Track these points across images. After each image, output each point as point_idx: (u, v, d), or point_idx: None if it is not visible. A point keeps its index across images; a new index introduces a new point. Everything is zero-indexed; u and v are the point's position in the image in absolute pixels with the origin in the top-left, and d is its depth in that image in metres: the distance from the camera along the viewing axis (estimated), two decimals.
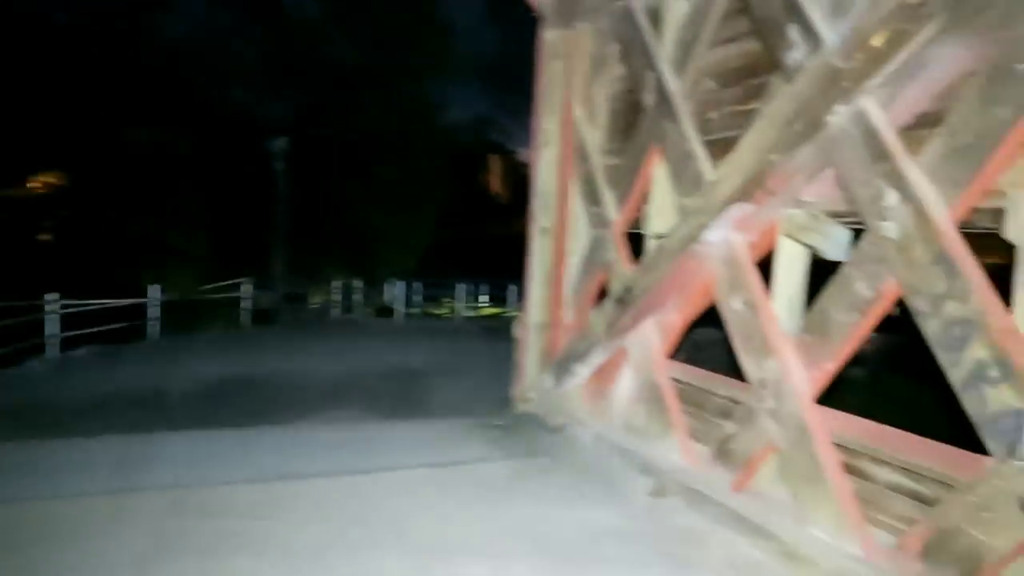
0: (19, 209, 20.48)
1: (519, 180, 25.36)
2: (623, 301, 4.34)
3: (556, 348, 5.56)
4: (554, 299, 5.66)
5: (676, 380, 4.25)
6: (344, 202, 22.70)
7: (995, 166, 2.47)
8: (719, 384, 4.02)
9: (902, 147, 2.75)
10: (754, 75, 3.90)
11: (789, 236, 3.45)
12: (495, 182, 33.36)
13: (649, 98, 4.35)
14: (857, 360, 3.16)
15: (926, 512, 2.69)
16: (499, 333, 10.24)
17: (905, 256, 2.63)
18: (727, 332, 3.66)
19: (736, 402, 3.69)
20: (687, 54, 4.22)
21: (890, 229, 2.69)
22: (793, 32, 3.13)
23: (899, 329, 3.27)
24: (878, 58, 2.68)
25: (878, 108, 2.83)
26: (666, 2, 4.42)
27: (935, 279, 2.51)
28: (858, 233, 3.20)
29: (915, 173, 2.64)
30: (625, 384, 4.65)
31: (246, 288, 15.25)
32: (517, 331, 6.01)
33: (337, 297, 18.05)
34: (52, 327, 10.30)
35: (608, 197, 4.92)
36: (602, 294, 4.92)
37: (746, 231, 3.57)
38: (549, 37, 5.52)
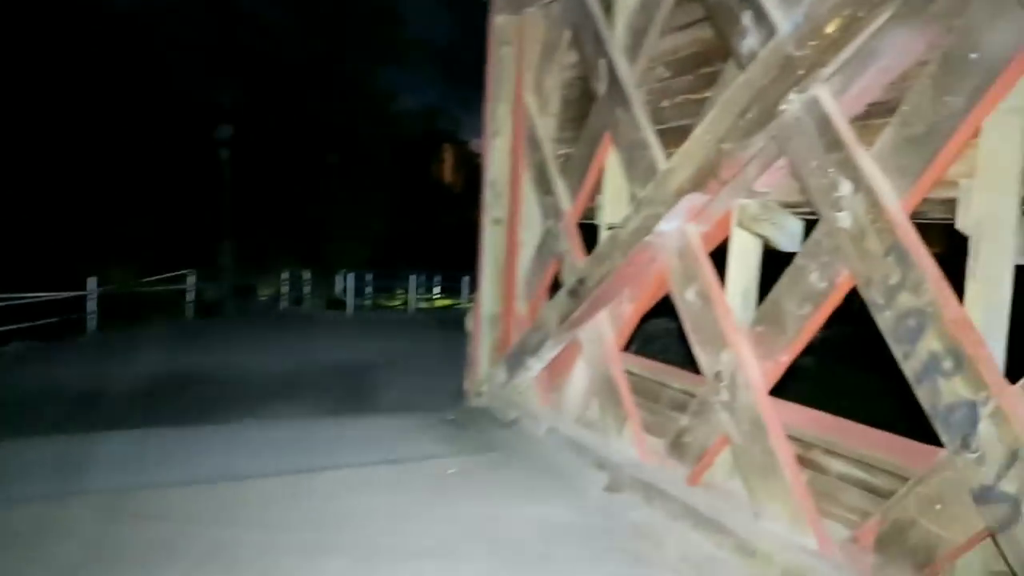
0: None
1: (472, 170, 25.19)
2: (576, 293, 4.27)
3: (509, 341, 5.47)
4: (507, 291, 5.56)
5: (630, 373, 4.20)
6: (293, 192, 22.24)
7: (948, 156, 2.45)
8: (673, 376, 3.98)
9: (855, 137, 2.72)
10: (707, 63, 3.85)
11: (742, 227, 3.41)
12: (448, 172, 33.12)
13: (601, 86, 4.27)
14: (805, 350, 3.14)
15: (879, 504, 2.67)
16: (452, 325, 10.12)
17: (858, 247, 2.60)
18: (680, 323, 3.62)
19: (690, 395, 3.65)
20: (639, 41, 4.15)
21: (843, 219, 2.66)
22: (746, 19, 3.08)
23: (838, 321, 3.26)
24: (831, 46, 2.63)
25: (831, 97, 2.79)
26: None
27: (888, 270, 2.48)
28: (811, 224, 3.18)
29: (868, 163, 2.62)
30: (579, 377, 4.59)
31: (191, 280, 14.77)
32: (469, 324, 5.91)
33: (286, 289, 17.67)
34: None
35: (561, 187, 4.84)
36: (556, 286, 4.84)
37: (700, 221, 3.52)
38: (499, 22, 5.41)
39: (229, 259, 15.70)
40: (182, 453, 4.57)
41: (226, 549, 3.21)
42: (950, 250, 2.59)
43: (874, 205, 2.55)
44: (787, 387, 3.22)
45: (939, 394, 2.29)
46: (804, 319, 2.89)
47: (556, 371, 4.83)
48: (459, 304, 18.23)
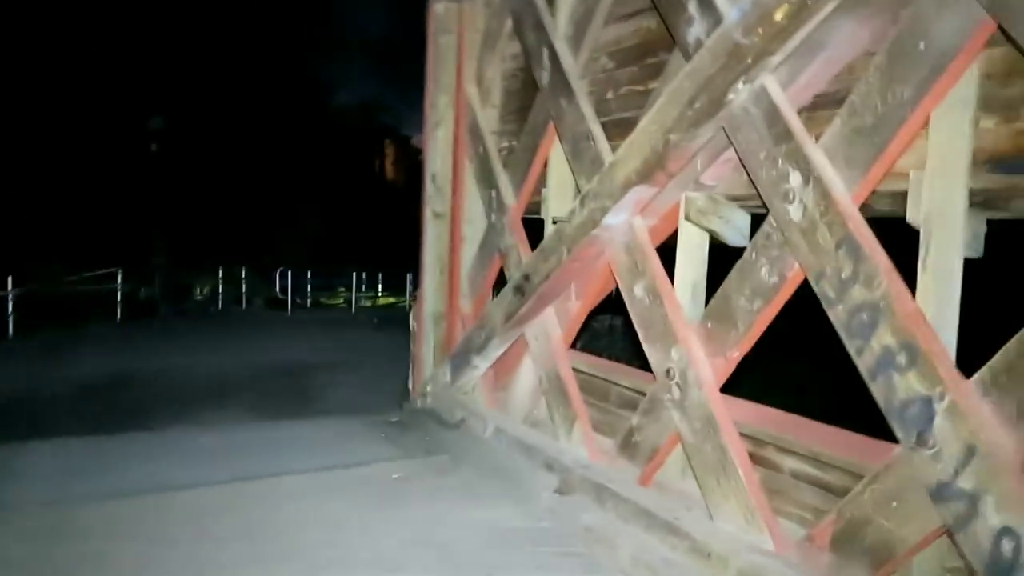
0: None
1: (414, 166, 24.88)
2: (522, 289, 4.15)
3: (454, 339, 5.33)
4: (450, 288, 5.42)
5: (578, 371, 4.11)
6: (229, 188, 21.57)
7: (897, 147, 2.41)
8: (622, 374, 3.90)
9: (804, 128, 2.66)
10: (651, 54, 3.78)
11: (690, 220, 3.34)
12: (389, 168, 32.70)
13: (544, 76, 4.16)
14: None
15: (834, 502, 2.63)
16: (396, 323, 9.95)
17: (809, 240, 2.54)
18: (624, 319, 3.54)
19: (640, 393, 3.58)
20: (582, 31, 4.06)
21: (793, 212, 2.60)
22: (692, 7, 3.00)
23: None
24: (779, 34, 2.56)
25: (779, 87, 2.73)
26: None
27: (840, 263, 2.43)
28: (758, 219, 3.14)
29: (818, 154, 2.56)
30: (526, 376, 4.48)
31: (119, 279, 14.11)
32: (412, 322, 5.74)
33: (224, 288, 17.10)
34: None
35: (504, 180, 4.72)
36: (501, 282, 4.72)
37: (647, 215, 3.44)
38: (438, 10, 5.25)
39: (162, 257, 15.13)
40: (108, 463, 4.32)
41: (153, 566, 3.02)
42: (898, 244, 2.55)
43: (824, 197, 2.49)
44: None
45: (893, 389, 2.25)
46: (755, 314, 2.82)
47: (502, 370, 4.71)
48: (403, 301, 17.94)
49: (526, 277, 4.11)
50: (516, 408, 4.60)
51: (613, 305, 4.24)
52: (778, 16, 2.55)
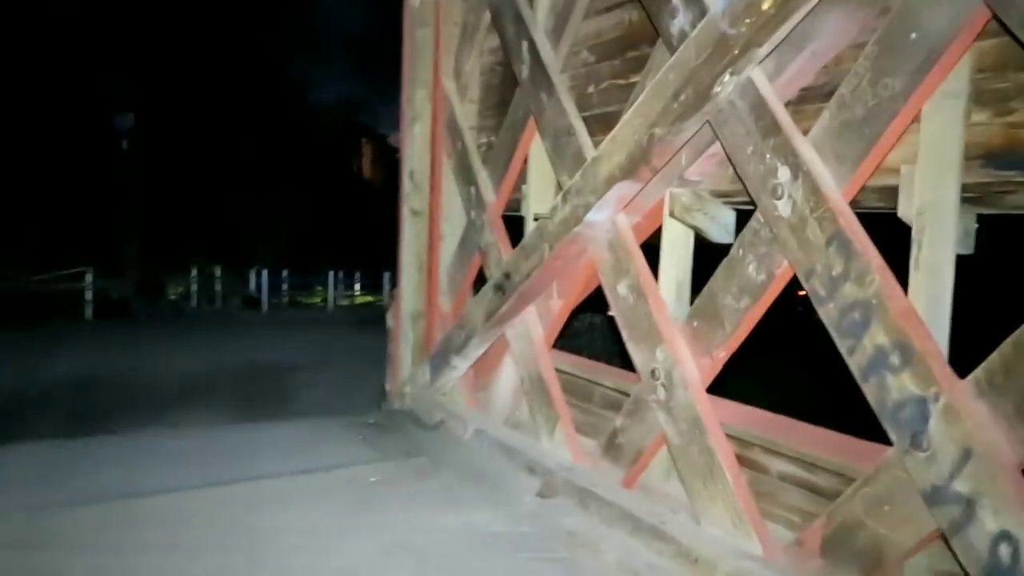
0: None
1: (392, 165, 24.69)
2: (502, 288, 4.06)
3: (432, 339, 5.23)
4: (429, 286, 5.31)
5: (560, 371, 4.03)
6: (204, 186, 21.23)
7: (888, 141, 2.35)
8: (606, 375, 3.82)
9: (792, 121, 2.59)
10: (633, 47, 3.71)
11: (674, 217, 3.27)
12: (367, 167, 32.45)
13: (524, 70, 4.07)
14: None
15: (824, 505, 2.57)
16: (374, 322, 9.80)
17: (799, 236, 2.47)
18: (605, 317, 3.46)
19: (624, 393, 3.50)
20: (562, 24, 3.97)
21: (782, 207, 2.53)
22: None
23: None
24: (767, 24, 2.49)
25: (765, 79, 2.66)
26: None
27: (831, 260, 2.36)
28: (743, 215, 3.07)
29: (807, 149, 2.49)
30: (507, 376, 4.39)
31: (89, 277, 13.79)
32: (390, 321, 5.63)
33: (198, 287, 16.83)
34: None
35: (483, 177, 4.62)
36: (480, 280, 4.62)
37: (631, 211, 3.36)
38: (414, 3, 5.14)
39: (134, 255, 14.85)
40: (75, 468, 4.15)
41: None
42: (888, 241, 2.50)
43: (814, 192, 2.42)
44: None
45: (887, 390, 2.19)
46: (742, 312, 2.75)
47: (483, 370, 4.62)
48: (380, 301, 17.80)
49: (507, 275, 4.02)
50: (497, 409, 4.51)
51: (593, 302, 4.16)
52: (765, 5, 2.48)
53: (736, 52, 2.60)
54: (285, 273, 17.85)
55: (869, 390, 2.24)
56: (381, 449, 4.68)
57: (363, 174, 32.03)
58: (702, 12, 2.77)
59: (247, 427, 5.57)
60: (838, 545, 2.42)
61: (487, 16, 4.67)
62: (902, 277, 2.34)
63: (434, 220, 5.26)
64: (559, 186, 3.81)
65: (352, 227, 25.60)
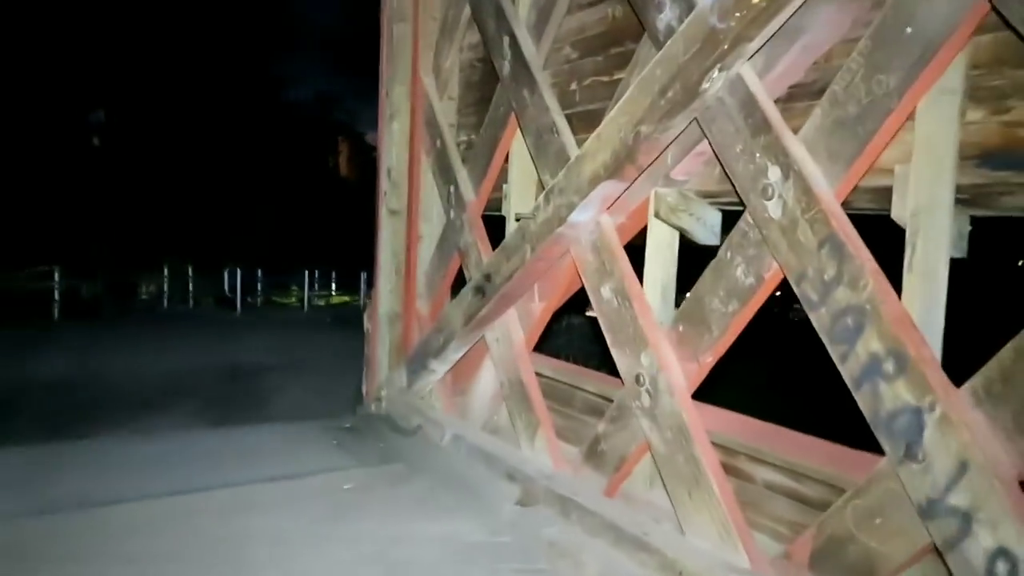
0: None
1: (369, 163, 24.48)
2: (482, 290, 3.95)
3: (410, 341, 5.10)
4: (407, 288, 5.19)
5: (541, 375, 3.92)
6: (177, 183, 20.87)
7: (882, 140, 2.27)
8: (587, 379, 3.72)
9: (782, 119, 2.51)
10: (617, 43, 3.61)
11: (660, 218, 3.18)
12: (343, 164, 32.18)
13: (505, 65, 3.96)
14: None
15: (811, 515, 2.49)
16: (350, 323, 9.65)
17: (789, 238, 2.39)
18: (583, 318, 3.37)
19: (606, 398, 3.40)
20: (545, 19, 3.86)
21: (772, 208, 2.44)
22: None
23: None
24: (758, 17, 2.40)
25: (755, 75, 2.58)
26: None
27: (823, 263, 2.28)
28: (728, 216, 2.99)
29: (798, 148, 2.41)
30: (486, 381, 4.28)
31: (57, 276, 13.43)
32: (367, 323, 5.49)
33: (170, 286, 16.51)
34: None
35: (463, 175, 4.51)
36: (460, 281, 4.51)
37: (615, 212, 3.26)
38: None
39: (105, 253, 14.52)
40: (34, 476, 4.00)
41: None
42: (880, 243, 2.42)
43: (806, 193, 2.34)
44: None
45: (880, 399, 2.11)
46: (730, 317, 2.66)
47: (461, 374, 4.50)
48: (357, 300, 17.60)
49: (487, 277, 3.91)
50: (476, 414, 4.39)
51: (570, 302, 4.06)
52: None
53: (726, 47, 2.51)
54: (260, 272, 17.57)
55: (862, 398, 2.16)
56: (356, 455, 4.56)
57: (340, 172, 31.74)
58: (690, 6, 2.68)
59: (218, 432, 5.43)
60: (828, 558, 2.34)
61: (467, 11, 4.56)
62: (893, 281, 2.27)
63: (412, 220, 5.13)
64: (541, 185, 3.71)
65: (328, 226, 25.33)
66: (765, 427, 2.86)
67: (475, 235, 4.30)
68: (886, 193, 2.36)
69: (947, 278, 2.26)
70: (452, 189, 4.57)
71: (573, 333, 7.63)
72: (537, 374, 3.88)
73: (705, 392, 2.92)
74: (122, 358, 8.97)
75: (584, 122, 3.63)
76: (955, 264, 2.29)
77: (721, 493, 2.62)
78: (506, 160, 4.27)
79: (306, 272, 17.23)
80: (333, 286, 19.61)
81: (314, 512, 3.61)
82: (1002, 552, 1.85)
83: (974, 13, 2.04)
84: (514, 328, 3.94)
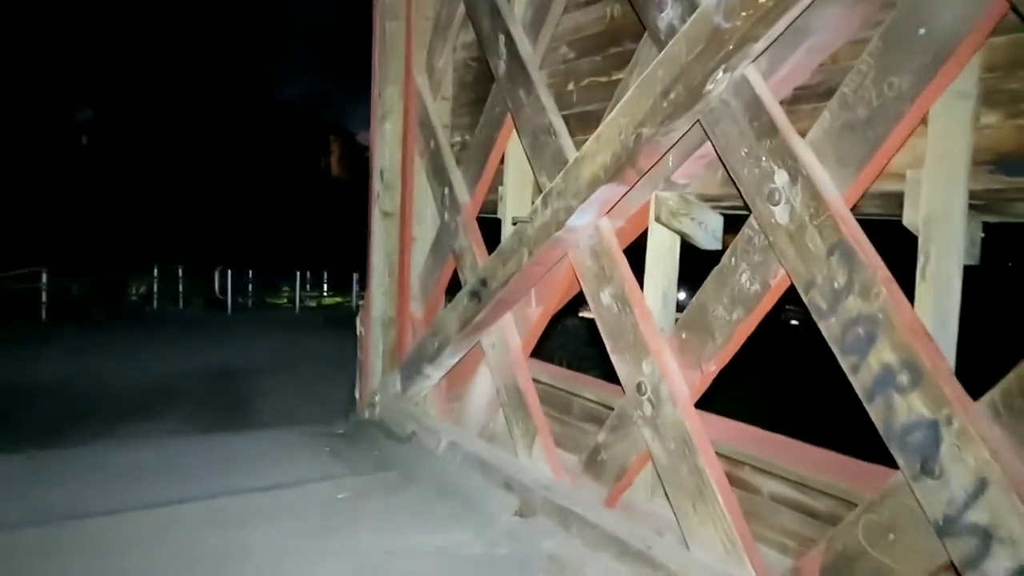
0: None
1: (361, 163, 24.35)
2: (478, 295, 3.86)
3: (404, 346, 5.02)
4: (400, 291, 5.10)
5: (539, 381, 3.84)
6: (167, 183, 20.69)
7: (893, 144, 2.20)
8: (586, 386, 3.65)
9: (789, 122, 2.44)
10: (615, 42, 3.54)
11: (660, 222, 3.10)
12: (335, 164, 32.03)
13: (500, 66, 3.87)
14: None
15: (818, 529, 2.42)
16: (342, 324, 9.56)
17: (797, 244, 2.31)
18: (577, 320, 3.30)
19: (605, 406, 3.33)
20: (541, 17, 3.79)
21: (780, 214, 2.37)
22: None
23: None
24: (765, 16, 2.33)
25: (761, 77, 2.51)
26: None
27: (832, 271, 2.21)
28: (730, 220, 2.92)
29: (806, 151, 2.34)
30: (482, 387, 4.19)
31: (44, 277, 13.24)
32: (360, 327, 5.40)
33: (160, 287, 16.32)
34: None
35: (457, 177, 4.42)
36: (454, 285, 4.42)
37: (615, 216, 3.19)
38: None
39: (94, 254, 14.34)
40: (16, 486, 3.89)
41: None
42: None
43: (814, 198, 2.27)
44: None
45: (894, 412, 2.04)
46: (735, 324, 2.59)
47: (457, 380, 4.42)
48: (348, 302, 17.47)
49: (483, 281, 3.83)
50: (472, 421, 4.31)
51: (566, 304, 3.98)
52: None
53: (731, 47, 2.44)
54: (250, 273, 17.41)
55: (875, 411, 2.09)
56: (350, 462, 4.47)
57: (331, 172, 31.60)
58: (693, 5, 2.61)
59: (206, 439, 5.31)
60: (838, 574, 2.27)
61: (461, 9, 4.47)
62: (905, 289, 2.20)
63: (406, 222, 5.04)
64: (538, 187, 3.63)
65: (320, 226, 25.17)
66: (770, 437, 2.79)
67: (470, 238, 4.21)
68: (897, 198, 2.29)
69: (960, 286, 2.19)
70: (446, 191, 4.49)
71: (568, 335, 7.57)
72: (535, 380, 3.80)
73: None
74: (110, 360, 8.81)
75: (581, 123, 3.56)
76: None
77: (726, 505, 2.54)
78: (502, 161, 4.20)
79: (297, 273, 17.10)
80: (325, 287, 19.48)
81: (307, 523, 3.53)
82: (1022, 572, 1.78)
83: (990, 14, 1.97)
84: (511, 333, 3.86)
